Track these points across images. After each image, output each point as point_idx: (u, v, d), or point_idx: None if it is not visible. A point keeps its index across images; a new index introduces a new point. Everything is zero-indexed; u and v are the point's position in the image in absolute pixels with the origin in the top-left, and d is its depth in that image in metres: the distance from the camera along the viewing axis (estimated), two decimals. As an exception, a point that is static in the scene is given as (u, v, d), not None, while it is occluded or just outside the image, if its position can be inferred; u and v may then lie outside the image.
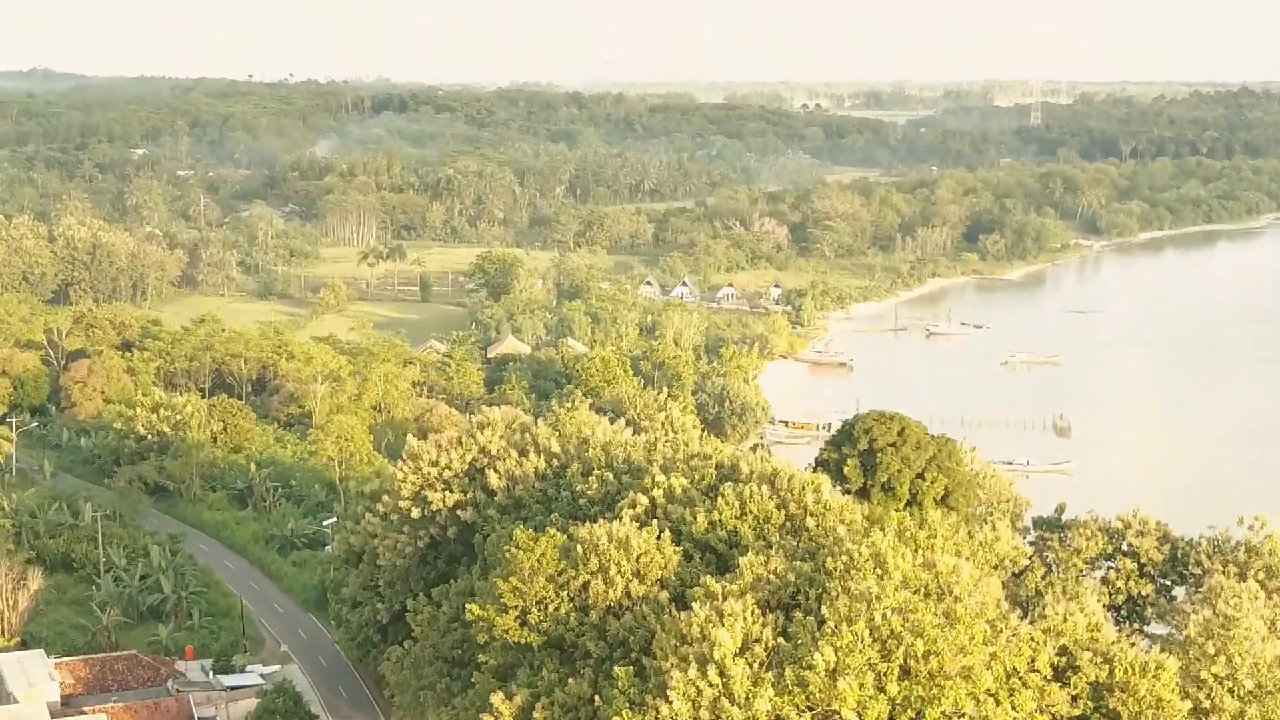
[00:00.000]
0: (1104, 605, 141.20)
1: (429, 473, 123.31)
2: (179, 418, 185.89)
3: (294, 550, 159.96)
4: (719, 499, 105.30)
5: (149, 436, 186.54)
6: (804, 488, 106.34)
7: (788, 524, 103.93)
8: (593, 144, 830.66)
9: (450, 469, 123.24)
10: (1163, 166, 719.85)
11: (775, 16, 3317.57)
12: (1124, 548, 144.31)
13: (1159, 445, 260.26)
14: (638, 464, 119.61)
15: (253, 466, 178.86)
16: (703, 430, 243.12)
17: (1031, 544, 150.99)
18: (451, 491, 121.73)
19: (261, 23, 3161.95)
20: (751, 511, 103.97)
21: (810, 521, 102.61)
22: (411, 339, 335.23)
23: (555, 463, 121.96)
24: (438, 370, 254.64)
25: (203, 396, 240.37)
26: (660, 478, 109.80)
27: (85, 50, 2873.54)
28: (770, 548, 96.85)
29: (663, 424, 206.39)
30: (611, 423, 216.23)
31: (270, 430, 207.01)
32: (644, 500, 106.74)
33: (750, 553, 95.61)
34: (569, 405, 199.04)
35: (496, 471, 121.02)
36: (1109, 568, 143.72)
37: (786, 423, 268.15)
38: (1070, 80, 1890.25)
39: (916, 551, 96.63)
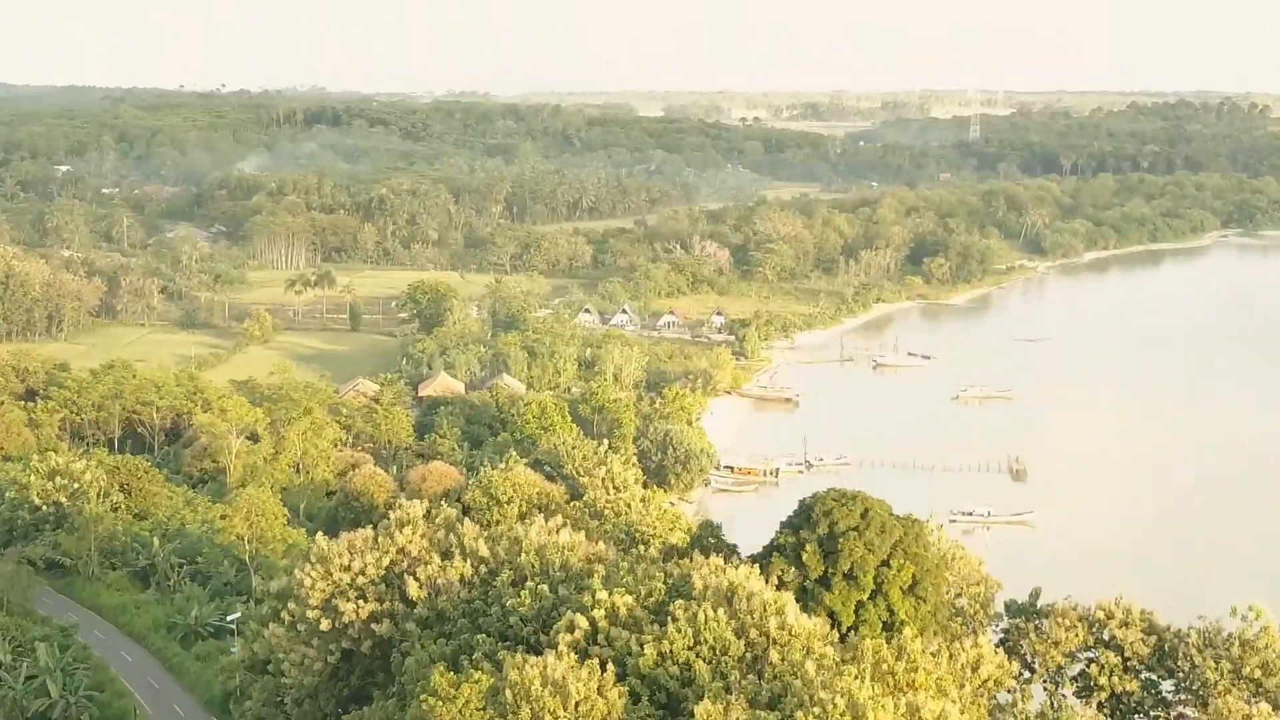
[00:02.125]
0: (1085, 703, 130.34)
1: (340, 578, 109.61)
2: (76, 486, 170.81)
3: (199, 640, 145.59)
4: (669, 623, 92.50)
5: (44, 507, 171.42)
6: (765, 610, 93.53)
7: (748, 655, 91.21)
8: (530, 159, 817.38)
9: (364, 574, 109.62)
10: (1104, 183, 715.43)
11: (713, 27, 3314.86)
12: (1106, 638, 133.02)
13: (1118, 489, 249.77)
14: (577, 570, 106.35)
15: (156, 541, 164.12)
16: (645, 483, 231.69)
17: (1005, 633, 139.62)
18: (366, 601, 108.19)
19: (196, 30, 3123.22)
20: (706, 640, 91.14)
21: (774, 654, 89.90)
22: (339, 375, 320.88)
23: (483, 569, 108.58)
24: (364, 417, 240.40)
25: (111, 449, 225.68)
26: (601, 594, 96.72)
27: (12, 58, 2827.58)
28: (729, 691, 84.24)
29: (603, 479, 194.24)
30: (549, 478, 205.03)
31: (180, 493, 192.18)
32: (583, 623, 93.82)
33: (707, 698, 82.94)
34: (503, 463, 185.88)
35: (416, 579, 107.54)
36: (1089, 660, 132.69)
37: (732, 468, 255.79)
38: (1007, 90, 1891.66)
39: (896, 692, 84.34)
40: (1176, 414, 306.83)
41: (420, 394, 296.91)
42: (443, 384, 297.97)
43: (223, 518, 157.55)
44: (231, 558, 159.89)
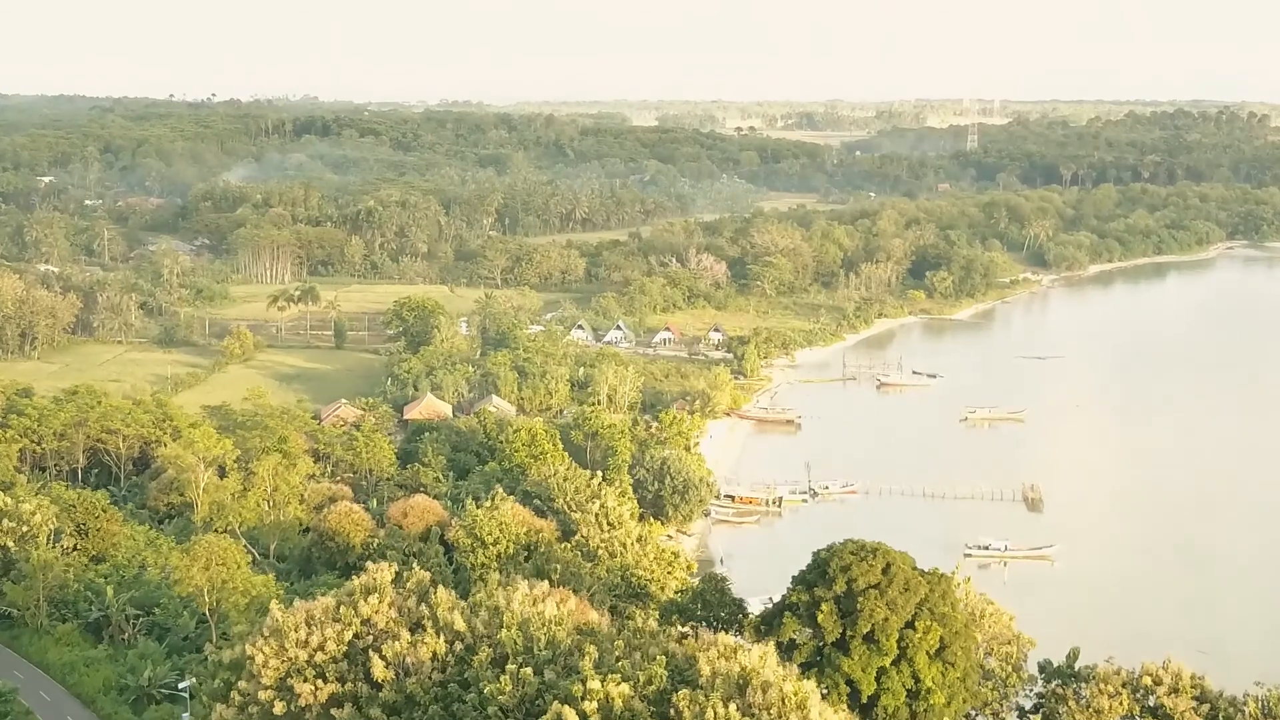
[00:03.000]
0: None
1: (296, 655, 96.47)
2: (25, 529, 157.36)
3: (151, 705, 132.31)
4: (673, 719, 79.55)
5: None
6: (785, 705, 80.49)
7: (765, 760, 78.31)
8: (522, 169, 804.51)
9: (324, 650, 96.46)
10: (1107, 193, 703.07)
11: (707, 37, 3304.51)
12: (1153, 705, 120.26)
13: (1142, 520, 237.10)
14: (565, 647, 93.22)
15: (110, 590, 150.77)
16: (641, 515, 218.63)
17: (1040, 698, 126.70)
18: (325, 681, 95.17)
19: (188, 40, 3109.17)
20: (716, 743, 78.20)
21: (796, 761, 76.96)
22: (321, 396, 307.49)
23: (459, 645, 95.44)
24: (344, 445, 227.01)
25: (75, 481, 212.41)
26: (594, 683, 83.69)
27: (2, 67, 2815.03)
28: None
29: (596, 515, 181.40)
30: (539, 514, 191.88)
31: (142, 532, 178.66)
32: (572, 716, 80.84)
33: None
34: (489, 501, 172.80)
35: (383, 657, 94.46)
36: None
37: (733, 498, 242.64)
38: (1002, 99, 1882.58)
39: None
40: (1197, 436, 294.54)
41: (405, 417, 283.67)
42: (429, 406, 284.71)
43: (177, 570, 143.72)
44: (192, 608, 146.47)
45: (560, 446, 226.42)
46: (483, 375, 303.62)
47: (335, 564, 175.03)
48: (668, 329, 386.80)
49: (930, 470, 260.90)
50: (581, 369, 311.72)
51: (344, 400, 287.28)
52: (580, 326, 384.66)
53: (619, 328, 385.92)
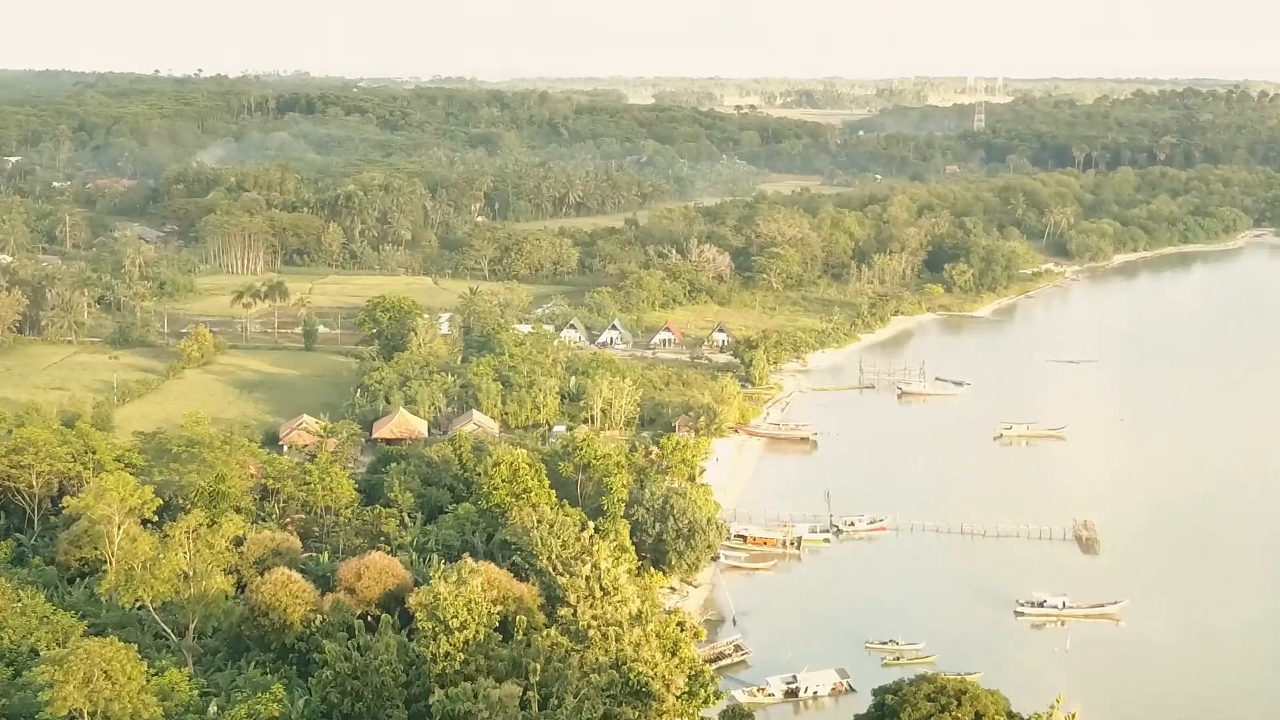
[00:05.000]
0: None
1: None
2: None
3: None
4: None
5: None
6: None
7: None
8: (514, 150, 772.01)
9: None
10: (1125, 177, 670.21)
11: (704, 12, 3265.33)
12: None
13: (1216, 563, 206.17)
14: None
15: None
16: (641, 565, 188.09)
17: None
18: None
19: (179, 12, 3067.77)
20: None
21: None
22: (284, 407, 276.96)
23: None
24: (296, 480, 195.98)
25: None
26: None
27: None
28: None
29: (587, 578, 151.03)
30: (518, 576, 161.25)
31: (37, 604, 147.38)
32: None
33: None
34: (455, 573, 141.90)
35: None
36: None
37: (745, 538, 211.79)
38: (1005, 77, 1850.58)
39: None
40: (1264, 455, 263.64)
41: (374, 435, 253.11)
42: (401, 424, 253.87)
43: (52, 684, 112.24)
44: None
45: (546, 482, 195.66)
46: (463, 386, 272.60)
47: (270, 644, 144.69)
48: (667, 328, 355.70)
49: (966, 499, 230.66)
50: (573, 378, 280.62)
51: (306, 416, 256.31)
52: (573, 326, 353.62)
53: (614, 327, 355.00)
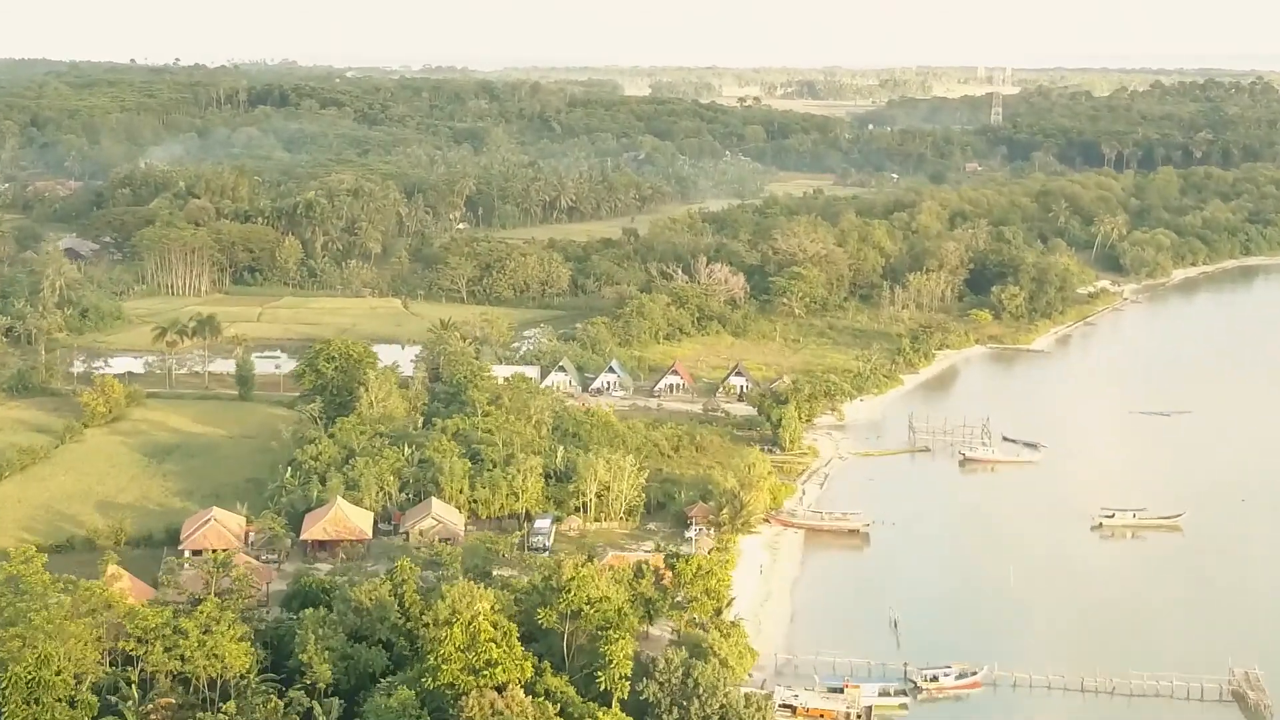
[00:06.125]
0: None
1: None
2: None
3: None
4: None
5: None
6: None
7: None
8: (502, 146, 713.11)
9: None
10: (1168, 179, 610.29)
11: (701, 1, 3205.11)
12: None
13: None
14: None
15: None
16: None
17: None
18: None
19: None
20: None
21: None
22: (200, 485, 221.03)
23: None
24: (166, 645, 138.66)
25: None
26: None
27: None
28: None
29: None
30: None
31: None
32: None
33: None
34: None
35: None
36: None
37: (794, 708, 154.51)
38: (1012, 66, 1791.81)
39: None
40: None
41: (303, 536, 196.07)
42: (338, 521, 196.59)
43: None
44: None
45: (518, 648, 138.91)
46: (421, 462, 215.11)
47: None
48: (675, 370, 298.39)
49: (1077, 634, 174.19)
50: (561, 451, 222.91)
51: (217, 512, 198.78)
52: (562, 368, 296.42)
53: (612, 369, 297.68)
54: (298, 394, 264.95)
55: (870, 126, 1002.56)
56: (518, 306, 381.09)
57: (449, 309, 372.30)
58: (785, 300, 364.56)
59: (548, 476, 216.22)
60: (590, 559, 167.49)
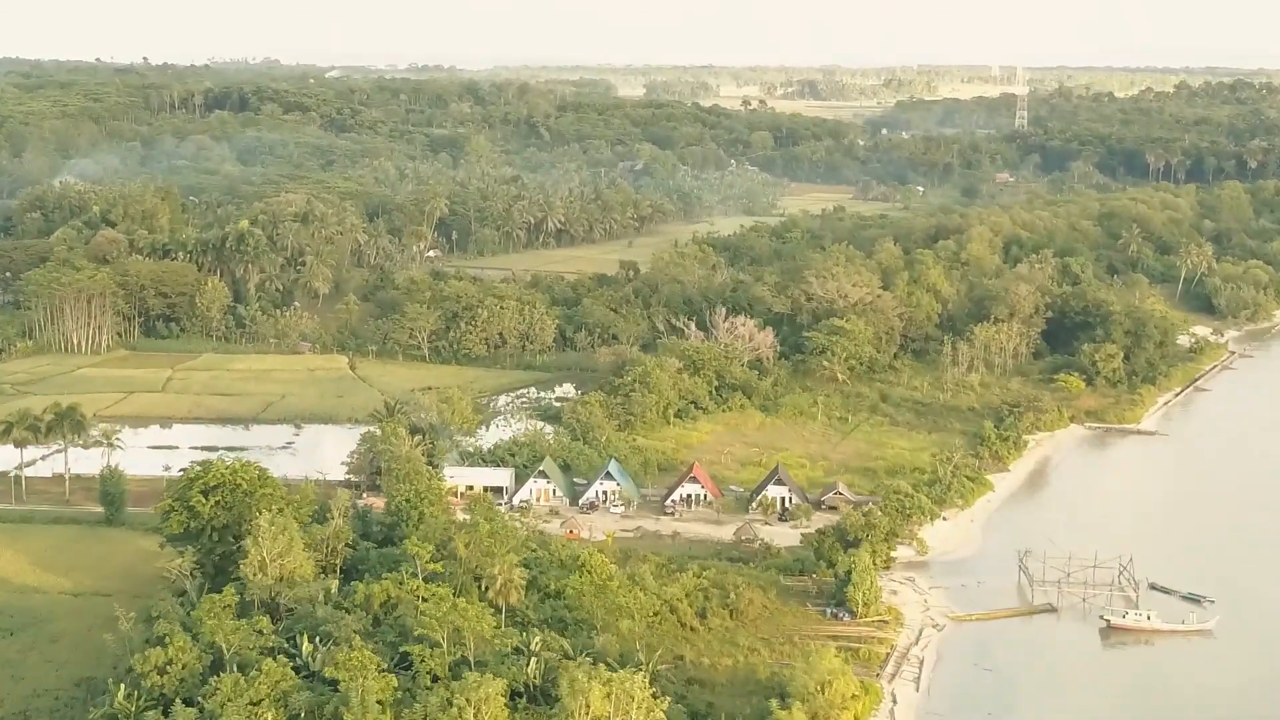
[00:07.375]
0: None
1: None
2: None
3: None
4: None
5: None
6: None
7: None
8: (483, 157, 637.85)
9: None
10: (1236, 195, 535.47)
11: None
12: None
13: None
14: None
15: None
16: None
17: None
18: None
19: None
20: None
21: None
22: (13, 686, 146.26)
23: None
24: None
25: None
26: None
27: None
28: None
29: None
30: None
31: None
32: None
33: None
34: None
35: None
36: None
37: None
38: (1022, 66, 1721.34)
39: None
40: None
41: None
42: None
43: None
44: None
45: None
46: (325, 695, 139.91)
47: None
48: (694, 476, 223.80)
49: None
50: (534, 663, 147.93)
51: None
52: (543, 473, 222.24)
53: (609, 475, 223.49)
54: (165, 535, 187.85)
55: (884, 131, 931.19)
56: (491, 366, 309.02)
57: (406, 370, 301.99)
58: (825, 363, 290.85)
59: (518, 694, 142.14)
60: None
